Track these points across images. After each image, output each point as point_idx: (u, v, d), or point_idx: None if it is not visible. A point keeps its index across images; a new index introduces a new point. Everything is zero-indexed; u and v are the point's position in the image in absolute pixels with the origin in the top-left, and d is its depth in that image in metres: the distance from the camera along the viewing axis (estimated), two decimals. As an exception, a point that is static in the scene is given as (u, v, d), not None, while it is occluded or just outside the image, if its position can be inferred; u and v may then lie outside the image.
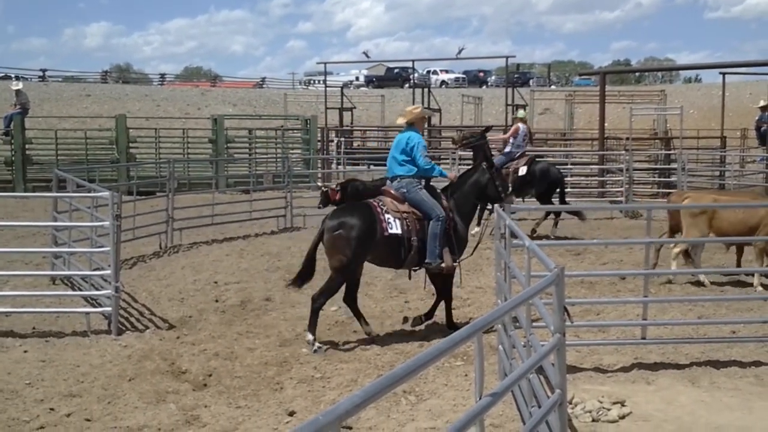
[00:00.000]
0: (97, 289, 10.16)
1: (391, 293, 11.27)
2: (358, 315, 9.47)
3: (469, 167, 10.25)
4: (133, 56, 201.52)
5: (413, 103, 30.70)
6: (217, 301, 10.92)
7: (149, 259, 13.97)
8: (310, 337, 8.85)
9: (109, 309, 9.43)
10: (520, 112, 15.39)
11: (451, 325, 9.37)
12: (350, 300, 9.49)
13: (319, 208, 13.65)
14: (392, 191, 9.52)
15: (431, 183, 9.77)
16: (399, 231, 9.16)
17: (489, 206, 10.28)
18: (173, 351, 8.69)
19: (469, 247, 10.07)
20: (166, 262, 13.79)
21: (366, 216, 9.07)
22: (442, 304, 9.71)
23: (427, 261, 9.30)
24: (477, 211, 11.13)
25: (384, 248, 9.19)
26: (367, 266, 9.72)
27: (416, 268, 9.65)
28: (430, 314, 9.75)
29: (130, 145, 26.10)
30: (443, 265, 9.29)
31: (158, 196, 17.17)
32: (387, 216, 9.16)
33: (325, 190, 13.71)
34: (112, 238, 9.61)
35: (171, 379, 7.86)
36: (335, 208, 10.28)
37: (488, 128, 12.69)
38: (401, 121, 9.93)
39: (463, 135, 12.69)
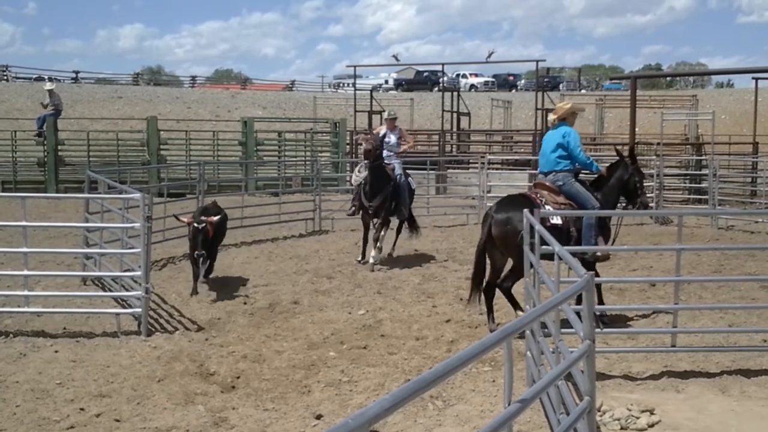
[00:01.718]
0: (127, 290, 10.26)
1: (419, 297, 11.26)
2: (490, 306, 9.78)
3: (614, 162, 10.48)
4: (165, 58, 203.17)
5: (442, 107, 30.74)
6: (245, 303, 10.97)
7: (179, 260, 14.06)
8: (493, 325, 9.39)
9: (139, 310, 9.51)
10: (385, 114, 15.23)
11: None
12: (488, 289, 9.79)
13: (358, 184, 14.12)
14: (547, 183, 9.95)
15: (580, 176, 10.16)
16: (560, 221, 9.48)
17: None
18: (202, 353, 8.75)
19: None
20: (195, 263, 13.84)
21: (528, 207, 9.18)
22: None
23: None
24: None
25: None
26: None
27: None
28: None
29: (161, 147, 26.34)
30: (599, 253, 9.65)
31: (188, 198, 17.29)
32: (548, 207, 9.45)
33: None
34: (142, 239, 9.68)
35: (199, 381, 7.91)
36: (498, 201, 10.27)
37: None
38: (552, 117, 10.38)
39: None
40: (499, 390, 7.35)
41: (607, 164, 10.60)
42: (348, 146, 28.92)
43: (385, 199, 13.59)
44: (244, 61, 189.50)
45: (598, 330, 7.30)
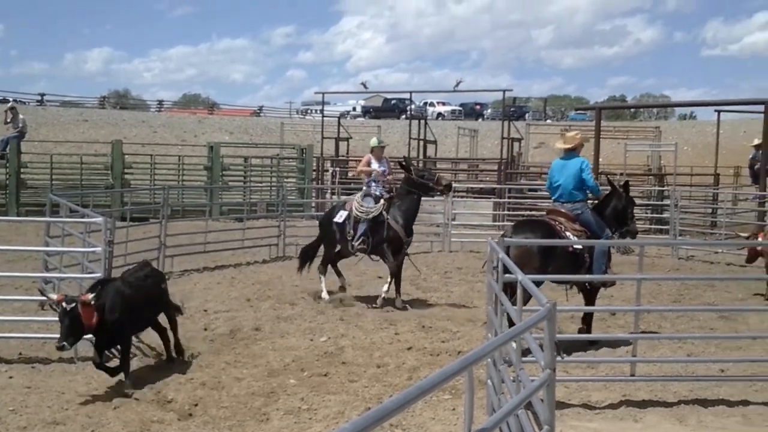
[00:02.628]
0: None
1: (382, 325, 11.22)
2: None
3: (608, 192, 11.00)
4: (133, 82, 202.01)
5: (409, 135, 30.85)
6: (206, 329, 10.86)
7: (140, 285, 13.88)
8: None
9: (97, 335, 9.36)
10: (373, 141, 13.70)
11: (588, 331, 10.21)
12: None
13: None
14: (564, 211, 10.38)
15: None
16: (579, 247, 9.85)
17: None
18: (160, 380, 8.63)
19: None
20: (156, 289, 13.71)
21: (548, 233, 9.90)
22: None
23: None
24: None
25: (563, 262, 9.78)
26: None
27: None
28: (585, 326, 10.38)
29: (126, 170, 26.13)
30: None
31: (151, 223, 17.16)
32: (567, 233, 10.00)
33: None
34: (103, 263, 9.60)
35: (156, 409, 7.81)
36: (515, 224, 10.73)
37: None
38: (561, 146, 10.88)
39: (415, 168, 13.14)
40: (459, 418, 7.33)
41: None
42: (314, 172, 28.92)
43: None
44: (213, 86, 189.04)
45: (558, 359, 7.31)
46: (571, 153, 10.66)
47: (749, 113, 28.71)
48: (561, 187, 10.53)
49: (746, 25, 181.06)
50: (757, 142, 21.16)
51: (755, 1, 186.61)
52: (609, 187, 11.11)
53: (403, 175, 12.99)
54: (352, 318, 11.53)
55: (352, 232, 12.69)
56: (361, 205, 12.73)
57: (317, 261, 13.65)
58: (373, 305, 12.31)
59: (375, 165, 13.01)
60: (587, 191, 10.58)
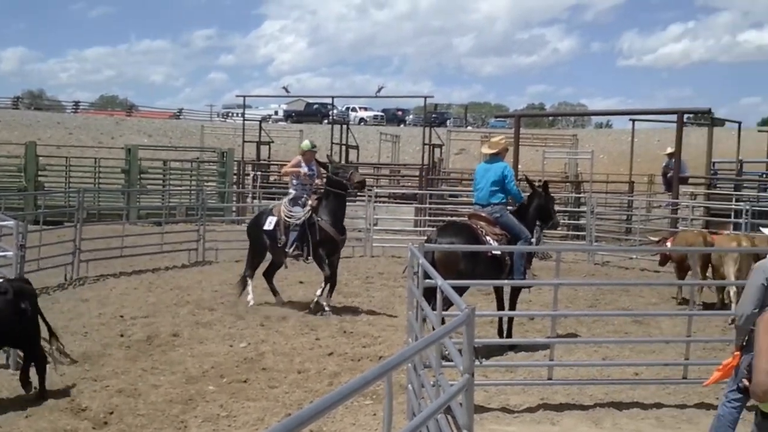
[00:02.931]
0: (-4, 322, 9.77)
1: (302, 330, 11.16)
2: None
3: (531, 194, 11.32)
4: (49, 83, 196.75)
5: (331, 139, 30.81)
6: (122, 335, 10.63)
7: (53, 291, 13.57)
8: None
9: (8, 342, 9.08)
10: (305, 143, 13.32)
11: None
12: None
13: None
14: (484, 215, 10.57)
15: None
16: (499, 252, 10.07)
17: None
18: (74, 387, 8.42)
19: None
20: (70, 294, 13.42)
21: (471, 237, 10.05)
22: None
23: (515, 278, 10.24)
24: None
25: (485, 266, 10.04)
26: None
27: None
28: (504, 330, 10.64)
29: (40, 173, 25.50)
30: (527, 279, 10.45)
31: (66, 226, 16.76)
32: (488, 238, 10.17)
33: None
34: (15, 268, 9.32)
35: (70, 417, 7.60)
36: (440, 228, 11.01)
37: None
38: (487, 151, 11.05)
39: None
40: (380, 423, 7.32)
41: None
42: (235, 176, 28.66)
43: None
44: (131, 87, 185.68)
45: (477, 363, 7.38)
46: (495, 157, 10.88)
47: (663, 122, 29.53)
48: (481, 190, 10.74)
49: (660, 36, 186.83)
50: (670, 150, 21.71)
51: (669, 12, 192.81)
52: (530, 189, 11.43)
53: None
54: (272, 324, 11.44)
55: (283, 238, 12.47)
56: (290, 211, 12.47)
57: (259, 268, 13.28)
58: (307, 311, 12.19)
59: (304, 168, 12.70)
60: (507, 195, 10.79)
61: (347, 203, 13.13)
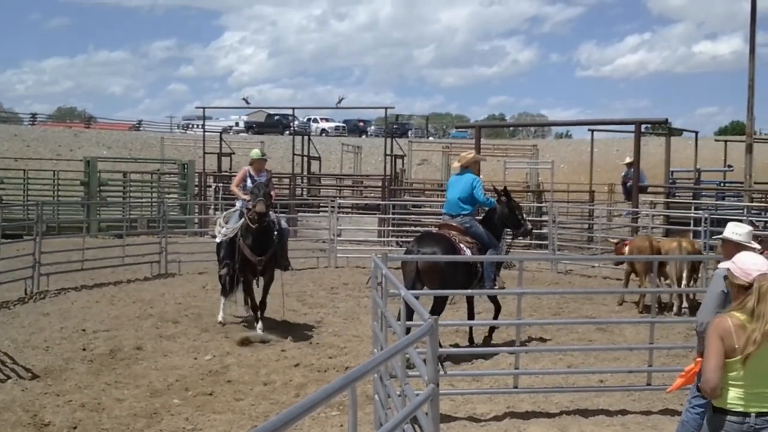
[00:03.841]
0: (-46, 337, 9.63)
1: (268, 342, 11.11)
2: None
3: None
4: (5, 94, 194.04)
5: (293, 151, 30.77)
6: (84, 349, 10.50)
7: (13, 305, 13.37)
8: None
9: (-32, 358, 8.95)
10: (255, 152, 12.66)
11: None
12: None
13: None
14: (455, 224, 10.90)
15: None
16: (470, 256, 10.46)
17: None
18: (36, 402, 8.30)
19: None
20: (31, 308, 13.23)
21: (449, 245, 10.33)
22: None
23: (485, 284, 10.56)
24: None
25: (462, 273, 10.39)
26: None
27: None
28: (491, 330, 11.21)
29: (-3, 186, 25.13)
30: (496, 286, 10.77)
31: (25, 240, 16.54)
32: (462, 245, 10.51)
33: None
34: (-27, 283, 9.17)
35: (33, 432, 7.50)
36: (418, 237, 11.26)
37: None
38: (457, 165, 11.48)
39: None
40: (347, 435, 7.32)
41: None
42: (196, 188, 28.50)
43: (275, 252, 11.72)
44: (90, 99, 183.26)
45: (442, 373, 7.41)
46: (465, 170, 11.24)
47: (621, 132, 29.90)
48: (450, 201, 11.09)
49: (618, 47, 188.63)
50: (628, 160, 22.01)
51: (626, 24, 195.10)
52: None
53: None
54: (237, 335, 11.38)
55: (217, 256, 12.30)
56: (222, 226, 12.07)
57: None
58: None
59: (249, 181, 12.01)
60: (475, 206, 11.11)
61: (310, 216, 13.01)
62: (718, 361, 4.54)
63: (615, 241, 16.15)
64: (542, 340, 11.31)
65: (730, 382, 4.56)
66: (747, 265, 4.69)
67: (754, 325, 4.49)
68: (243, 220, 11.66)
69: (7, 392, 8.58)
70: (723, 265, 5.16)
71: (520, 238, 12.73)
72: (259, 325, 11.52)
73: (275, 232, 11.74)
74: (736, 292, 4.72)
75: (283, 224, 12.42)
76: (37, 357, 10.05)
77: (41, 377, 9.24)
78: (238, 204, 12.31)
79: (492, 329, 11.20)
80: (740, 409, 4.56)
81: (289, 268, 12.70)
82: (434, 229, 12.19)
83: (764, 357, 4.51)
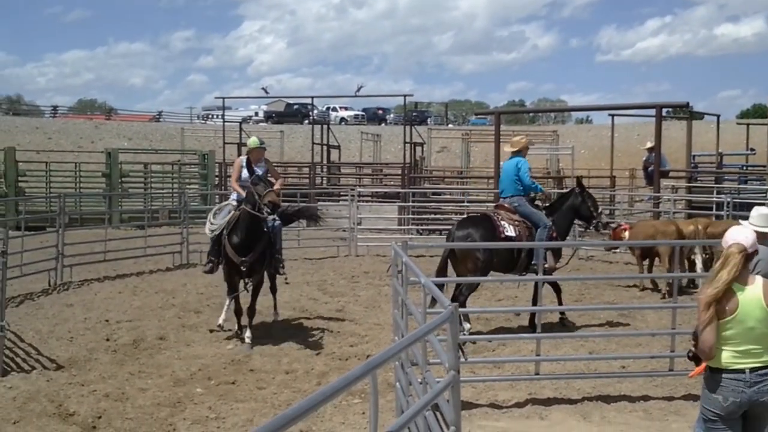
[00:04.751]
0: (-20, 329, 9.72)
1: (289, 330, 11.16)
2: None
3: (565, 192, 12.23)
4: (26, 87, 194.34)
5: (312, 140, 30.80)
6: (108, 340, 10.59)
7: (37, 296, 13.50)
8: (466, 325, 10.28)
9: (-7, 349, 9.04)
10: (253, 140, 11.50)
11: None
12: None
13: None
14: (506, 205, 11.39)
15: (536, 201, 11.67)
16: (513, 234, 10.86)
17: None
18: (61, 392, 8.38)
19: (566, 257, 11.99)
20: (55, 299, 13.35)
21: (487, 224, 10.87)
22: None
23: (534, 262, 10.57)
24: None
25: (500, 255, 10.74)
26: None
27: (524, 272, 11.11)
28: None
29: (20, 178, 25.35)
30: (546, 266, 10.52)
31: (48, 232, 16.68)
32: (502, 222, 10.91)
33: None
34: (-3, 275, 9.25)
35: (58, 422, 7.58)
36: (459, 221, 11.76)
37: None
38: (508, 149, 11.86)
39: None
40: (369, 422, 7.34)
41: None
42: (217, 178, 28.60)
43: (263, 254, 10.76)
44: (110, 91, 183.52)
45: (462, 360, 7.41)
46: (516, 155, 11.59)
47: (642, 117, 29.69)
48: (502, 183, 11.69)
49: (638, 31, 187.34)
50: (649, 145, 21.83)
51: (647, 8, 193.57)
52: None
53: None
54: (258, 324, 11.42)
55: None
56: (211, 222, 11.24)
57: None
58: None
59: (245, 171, 10.76)
60: (526, 187, 11.46)
61: (330, 204, 12.96)
62: (708, 323, 4.98)
63: (614, 225, 15.87)
64: (564, 325, 11.28)
65: (721, 341, 4.99)
66: (730, 235, 5.04)
67: (709, 288, 4.93)
68: (230, 215, 10.86)
69: (32, 383, 8.67)
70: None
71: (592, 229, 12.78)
72: (248, 333, 10.51)
73: (265, 230, 10.75)
74: None
75: (277, 222, 11.28)
76: (62, 348, 10.15)
77: (66, 368, 9.33)
78: (233, 196, 11.28)
79: (562, 312, 11.37)
80: (735, 367, 4.95)
81: (281, 271, 11.45)
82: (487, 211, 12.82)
83: (748, 317, 4.92)
